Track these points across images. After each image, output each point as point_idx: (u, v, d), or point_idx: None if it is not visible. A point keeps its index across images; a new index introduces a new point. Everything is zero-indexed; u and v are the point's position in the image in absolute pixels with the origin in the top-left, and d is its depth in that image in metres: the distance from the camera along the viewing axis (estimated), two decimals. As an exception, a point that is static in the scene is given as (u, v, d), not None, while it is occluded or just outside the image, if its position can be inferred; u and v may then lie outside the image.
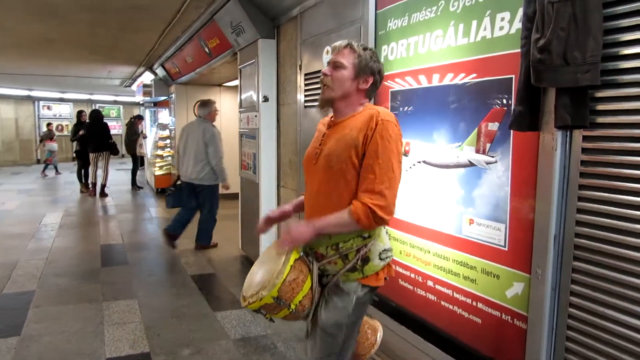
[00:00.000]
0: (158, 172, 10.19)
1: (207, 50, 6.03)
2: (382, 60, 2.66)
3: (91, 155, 9.31)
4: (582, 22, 1.54)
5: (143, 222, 7.28)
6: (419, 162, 2.44)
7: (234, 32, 4.76)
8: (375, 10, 2.77)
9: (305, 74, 3.75)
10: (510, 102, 1.90)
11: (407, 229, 2.56)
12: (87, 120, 9.73)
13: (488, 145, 2.01)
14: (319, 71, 3.48)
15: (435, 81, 2.30)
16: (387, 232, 1.90)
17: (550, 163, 1.73)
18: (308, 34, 3.73)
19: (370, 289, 1.82)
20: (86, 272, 4.62)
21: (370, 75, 1.81)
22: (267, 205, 4.50)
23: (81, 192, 9.79)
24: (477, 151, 2.07)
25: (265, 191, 4.50)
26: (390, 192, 1.66)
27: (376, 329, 2.11)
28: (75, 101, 18.65)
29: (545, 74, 1.61)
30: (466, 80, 2.11)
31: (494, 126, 1.98)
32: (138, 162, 10.93)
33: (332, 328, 1.78)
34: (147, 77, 10.73)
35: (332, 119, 1.90)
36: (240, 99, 5.08)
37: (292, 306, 1.71)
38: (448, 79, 2.22)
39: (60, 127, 17.94)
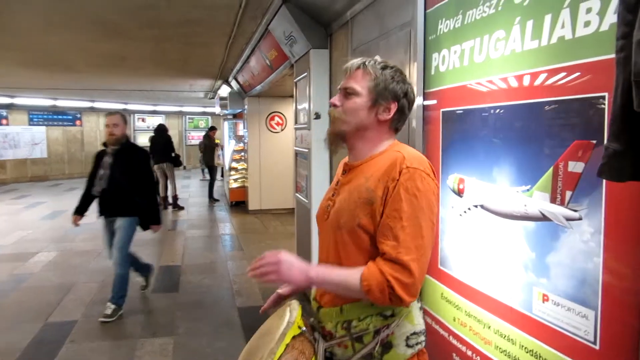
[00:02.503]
0: (233, 185, 10.18)
1: (268, 62, 5.75)
2: (432, 72, 2.11)
3: (154, 168, 9.48)
4: None
5: (208, 241, 7.15)
6: (476, 206, 1.85)
7: (287, 42, 4.40)
8: (425, 9, 2.21)
9: (355, 88, 3.25)
10: (602, 131, 1.27)
11: (461, 290, 1.97)
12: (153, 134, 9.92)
13: (568, 193, 1.39)
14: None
15: (496, 100, 1.71)
16: (421, 308, 1.39)
17: (668, 232, 1.09)
18: (358, 41, 3.24)
19: None
20: (135, 299, 4.46)
21: (393, 100, 1.36)
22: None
23: (159, 204, 10.02)
24: (553, 200, 1.45)
25: (317, 218, 4.04)
26: (419, 267, 1.21)
27: None
28: (167, 113, 19.62)
29: (659, 93, 0.99)
30: (536, 99, 1.50)
31: (576, 167, 1.36)
32: (215, 174, 11.01)
33: None
34: (225, 90, 10.80)
35: (349, 162, 1.46)
36: (296, 115, 4.69)
37: None
38: (511, 98, 1.62)
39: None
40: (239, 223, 8.38)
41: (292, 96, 8.87)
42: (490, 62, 1.72)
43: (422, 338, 1.36)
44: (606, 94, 1.25)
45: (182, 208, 9.57)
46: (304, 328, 1.38)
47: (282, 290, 1.56)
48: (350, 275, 1.25)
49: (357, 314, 1.33)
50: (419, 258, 1.21)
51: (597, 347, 1.33)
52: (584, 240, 1.35)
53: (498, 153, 1.71)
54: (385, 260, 1.21)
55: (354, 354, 1.33)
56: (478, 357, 1.87)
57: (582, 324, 1.37)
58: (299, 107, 4.56)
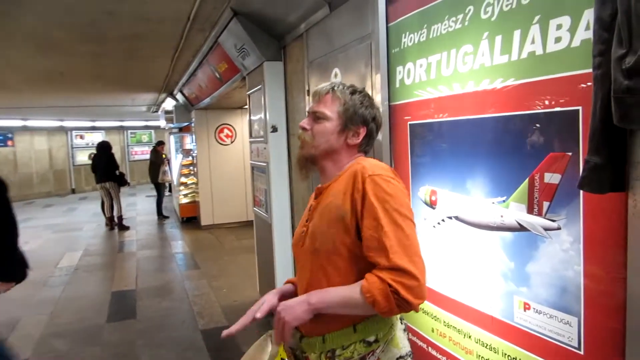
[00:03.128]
0: (183, 201, 9.89)
1: (217, 75, 5.63)
2: (397, 85, 2.12)
3: (98, 187, 9.10)
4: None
5: (162, 261, 6.89)
6: (450, 217, 1.87)
7: (239, 55, 4.32)
8: (387, 23, 2.23)
9: (314, 101, 3.23)
10: (577, 144, 1.32)
11: (439, 301, 1.98)
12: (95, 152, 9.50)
13: (546, 204, 1.43)
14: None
15: (466, 113, 1.74)
16: (405, 330, 1.38)
17: (649, 240, 1.14)
18: (315, 54, 3.23)
19: None
20: (89, 330, 4.21)
21: (362, 125, 1.40)
22: (281, 248, 3.98)
23: (106, 225, 9.58)
24: (530, 211, 1.48)
25: (279, 233, 3.98)
26: (417, 267, 1.19)
27: None
28: (107, 128, 18.81)
29: (638, 109, 1.03)
30: (508, 113, 1.54)
31: (553, 178, 1.40)
32: (162, 190, 10.65)
33: None
34: (169, 103, 10.51)
35: (319, 185, 1.47)
36: (250, 128, 4.62)
37: None
38: (482, 111, 1.65)
39: (91, 155, 18.13)
40: (192, 240, 8.15)
41: (241, 107, 8.84)
42: (459, 75, 1.75)
43: None
44: (580, 108, 1.30)
45: (127, 228, 9.18)
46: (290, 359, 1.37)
47: (259, 314, 1.48)
48: (351, 292, 1.23)
49: (340, 342, 1.31)
50: (412, 259, 1.19)
51: (581, 352, 1.36)
52: (564, 249, 1.38)
53: (471, 165, 1.73)
54: (381, 270, 1.19)
55: None
56: (460, 367, 1.88)
57: (566, 331, 1.41)
58: (253, 120, 4.49)
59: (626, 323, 1.21)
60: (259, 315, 1.43)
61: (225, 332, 1.41)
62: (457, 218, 1.83)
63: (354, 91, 1.42)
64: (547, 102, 1.39)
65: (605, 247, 1.27)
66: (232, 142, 9.12)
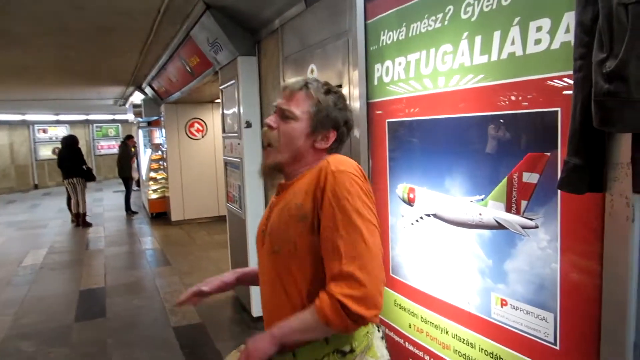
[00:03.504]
0: (153, 196, 9.70)
1: (188, 69, 5.52)
2: (375, 82, 2.12)
3: (65, 183, 8.83)
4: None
5: (131, 257, 6.75)
6: (428, 215, 1.88)
7: (212, 49, 4.25)
8: (365, 20, 2.22)
9: (290, 97, 3.21)
10: (555, 145, 1.34)
11: (416, 297, 2.00)
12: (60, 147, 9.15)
13: (524, 203, 1.46)
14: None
15: (445, 112, 1.75)
16: (383, 338, 1.35)
17: (624, 239, 1.17)
18: (290, 49, 3.20)
19: None
20: (57, 330, 4.08)
21: (333, 128, 1.32)
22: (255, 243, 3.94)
23: (72, 221, 9.30)
24: (509, 210, 1.51)
25: (253, 229, 3.92)
26: (367, 274, 1.11)
27: None
28: (71, 122, 18.24)
29: (618, 113, 1.05)
30: (488, 113, 1.56)
31: (531, 177, 1.42)
32: (130, 185, 10.41)
33: None
34: (137, 97, 10.27)
35: (282, 181, 1.39)
36: (224, 123, 4.55)
37: None
38: (462, 110, 1.67)
39: (56, 150, 17.56)
40: (163, 235, 8.00)
41: (212, 102, 8.71)
42: (438, 74, 1.76)
43: None
44: (559, 109, 1.32)
45: (90, 225, 8.93)
46: None
47: (207, 285, 1.52)
48: (306, 315, 1.17)
49: (312, 355, 1.24)
50: (365, 265, 1.11)
51: (557, 347, 1.40)
52: (541, 247, 1.42)
53: (450, 164, 1.75)
54: (332, 281, 1.14)
55: None
56: (437, 363, 1.91)
57: (542, 326, 1.44)
58: (227, 114, 4.42)
59: (601, 320, 1.24)
60: (204, 286, 1.46)
61: (178, 301, 1.46)
62: (435, 215, 1.84)
63: (328, 90, 1.33)
64: (526, 103, 1.41)
65: (581, 246, 1.30)
66: (202, 137, 8.98)
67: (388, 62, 2.05)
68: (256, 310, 4.03)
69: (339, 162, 1.23)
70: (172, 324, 4.13)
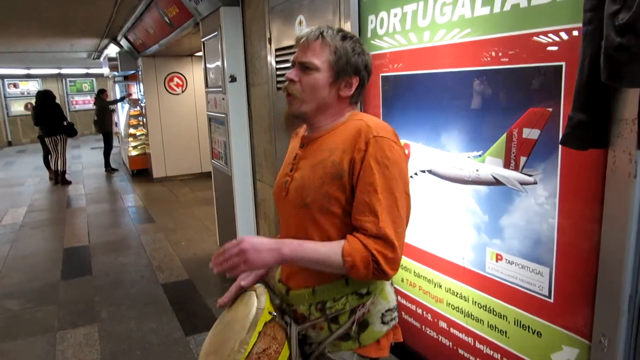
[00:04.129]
0: (133, 153, 9.51)
1: (167, 20, 5.30)
2: (368, 34, 2.06)
3: (46, 141, 8.58)
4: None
5: (114, 215, 6.68)
6: (423, 171, 1.88)
7: (192, -1, 4.06)
8: (358, -31, 2.12)
9: (277, 49, 3.11)
10: (558, 100, 1.32)
11: (409, 253, 2.02)
12: (34, 103, 8.77)
13: (523, 159, 1.45)
14: (291, 46, 2.86)
15: (443, 66, 1.71)
16: (392, 284, 1.39)
17: (625, 194, 1.18)
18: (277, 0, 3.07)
19: None
20: (43, 288, 4.06)
21: (354, 75, 1.28)
22: (243, 201, 3.93)
23: (50, 179, 9.11)
24: (507, 166, 1.50)
25: (240, 186, 3.92)
26: (399, 240, 1.17)
27: None
28: (43, 76, 17.56)
29: (628, 67, 1.03)
30: (489, 67, 1.52)
31: (532, 134, 1.41)
32: (111, 141, 10.16)
33: None
34: (113, 50, 9.87)
35: (306, 133, 1.36)
36: (206, 77, 4.41)
37: None
38: (461, 64, 1.63)
39: (29, 106, 16.96)
40: (145, 193, 7.91)
41: (192, 55, 8.44)
42: (436, 26, 1.71)
43: (396, 314, 1.36)
44: (563, 64, 1.30)
45: (69, 183, 8.77)
46: (274, 313, 1.30)
47: (245, 282, 1.44)
48: (330, 251, 1.18)
49: (331, 294, 1.28)
50: (398, 231, 1.17)
51: (551, 300, 1.44)
52: (539, 203, 1.42)
53: (447, 119, 1.73)
54: (367, 236, 1.16)
55: (330, 335, 1.29)
56: (429, 314, 1.96)
57: (537, 280, 1.47)
58: (210, 68, 4.28)
59: (598, 273, 1.27)
60: (243, 283, 1.39)
61: (222, 302, 1.38)
62: (430, 172, 1.84)
63: (344, 36, 1.27)
64: (529, 57, 1.38)
65: (580, 201, 1.31)
66: (183, 92, 8.74)
67: (383, 14, 1.98)
68: (244, 266, 4.05)
69: (379, 127, 1.22)
70: (160, 280, 4.14)
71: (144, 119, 8.99)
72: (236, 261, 1.17)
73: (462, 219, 1.71)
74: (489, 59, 1.51)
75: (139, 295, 3.88)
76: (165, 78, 8.54)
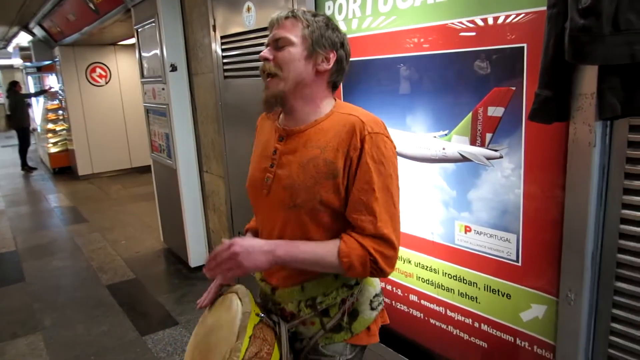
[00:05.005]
0: (53, 150, 8.90)
1: (92, 6, 4.99)
2: (327, 21, 2.07)
3: None
4: (641, -31, 1.08)
5: (40, 217, 6.24)
6: (390, 152, 1.94)
7: (122, -16, 3.86)
8: (312, -46, 2.14)
9: (222, 37, 3.05)
10: (521, 79, 1.43)
11: (377, 232, 2.09)
12: None
13: (489, 135, 1.56)
14: (239, 33, 2.83)
15: (407, 50, 1.78)
16: None
17: (586, 162, 1.31)
18: (220, -15, 3.00)
19: (361, 348, 1.36)
20: (-29, 299, 3.75)
21: (331, 49, 1.23)
22: (190, 193, 3.84)
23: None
24: (473, 143, 1.61)
25: (185, 178, 3.82)
26: (397, 238, 1.18)
27: None
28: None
29: (590, 46, 1.14)
30: (452, 50, 1.61)
31: (496, 111, 1.52)
32: (29, 137, 9.41)
33: None
34: (24, 38, 9.13)
35: (285, 125, 1.29)
36: (142, 67, 4.23)
37: None
38: (425, 48, 1.70)
39: None
40: (71, 192, 7.45)
41: (115, 44, 8.00)
42: (398, 12, 1.77)
43: (382, 298, 1.38)
44: (525, 45, 1.40)
45: None
46: (262, 315, 1.27)
47: (221, 280, 1.37)
48: (326, 251, 1.17)
49: (321, 289, 1.27)
50: (396, 228, 1.18)
51: (519, 264, 1.57)
52: (505, 175, 1.54)
53: (412, 101, 1.80)
54: (364, 236, 1.15)
55: (322, 329, 1.29)
56: (399, 290, 2.05)
57: (505, 247, 1.59)
58: (146, 57, 4.11)
59: (563, 236, 1.40)
60: (221, 281, 1.35)
61: (203, 303, 1.35)
62: (397, 153, 1.91)
63: (315, 14, 1.25)
64: (493, 39, 1.48)
65: (544, 171, 1.44)
66: (106, 83, 8.28)
67: (341, 0, 2.01)
68: (194, 260, 3.98)
69: (373, 122, 1.20)
70: (103, 282, 3.95)
71: (65, 113, 8.43)
72: (229, 265, 1.14)
73: (431, 196, 1.81)
74: (452, 42, 1.60)
75: (83, 298, 3.68)
76: (86, 68, 8.05)
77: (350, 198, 1.17)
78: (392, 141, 1.23)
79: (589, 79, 1.26)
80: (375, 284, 1.36)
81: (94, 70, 8.12)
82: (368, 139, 1.16)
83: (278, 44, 1.22)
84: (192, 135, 3.79)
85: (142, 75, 4.24)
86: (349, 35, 1.96)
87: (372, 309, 1.34)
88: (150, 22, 3.72)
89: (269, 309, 1.36)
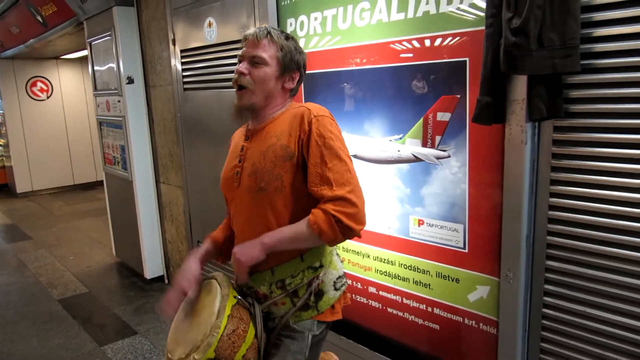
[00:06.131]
0: (-12, 167, 8.48)
1: (39, 19, 4.91)
2: (289, 36, 2.25)
3: None
4: (558, -2, 1.33)
5: (-22, 234, 5.96)
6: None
7: (77, -3, 3.87)
8: (275, -24, 2.31)
9: (182, 50, 3.15)
10: (464, 88, 1.66)
11: (337, 230, 2.26)
12: None
13: (438, 137, 1.77)
14: (200, 47, 2.95)
15: (363, 64, 1.98)
16: (338, 255, 1.59)
17: (520, 158, 1.54)
18: (182, 1, 3.11)
19: (327, 324, 1.53)
20: None
21: (296, 70, 1.47)
22: (146, 204, 3.86)
23: None
24: (425, 145, 1.82)
25: (142, 189, 3.84)
26: (357, 196, 1.33)
27: None
28: None
29: (521, 60, 1.38)
30: (405, 63, 1.83)
31: (444, 116, 1.74)
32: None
33: None
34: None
35: (250, 127, 1.51)
36: (94, 80, 4.22)
37: None
38: (381, 62, 1.91)
39: None
40: (10, 210, 7.14)
41: (57, 57, 7.80)
42: (356, 29, 1.97)
43: (345, 279, 1.56)
44: (467, 59, 1.64)
45: None
46: (239, 297, 1.44)
47: (191, 293, 1.45)
48: (299, 227, 1.34)
49: (289, 272, 1.42)
50: (353, 189, 1.32)
51: (466, 250, 1.78)
52: (453, 172, 1.76)
53: (370, 109, 2.00)
54: (325, 202, 1.31)
55: (292, 307, 1.45)
56: (358, 283, 2.21)
57: (453, 236, 1.81)
58: (100, 70, 4.11)
59: (502, 223, 1.62)
60: (191, 294, 1.43)
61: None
62: (355, 156, 2.09)
63: (287, 37, 1.45)
64: (440, 54, 1.71)
65: (485, 167, 1.66)
66: (48, 97, 8.03)
67: (303, 17, 2.20)
68: (150, 272, 3.97)
69: (318, 108, 1.40)
70: (55, 296, 3.87)
71: (2, 128, 8.08)
72: (237, 269, 1.35)
73: (388, 194, 2.00)
74: (405, 56, 1.82)
75: (34, 313, 3.59)
76: (26, 83, 7.79)
77: (308, 174, 1.35)
78: (336, 123, 1.43)
79: (520, 87, 1.50)
80: (338, 267, 1.53)
81: (34, 84, 7.86)
82: (314, 121, 1.36)
83: (254, 60, 1.41)
84: (148, 147, 3.83)
85: (95, 88, 4.23)
86: (311, 50, 2.16)
87: (336, 289, 1.50)
88: (106, 36, 3.76)
89: (244, 293, 1.52)
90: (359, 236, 1.36)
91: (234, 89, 1.47)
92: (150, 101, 3.75)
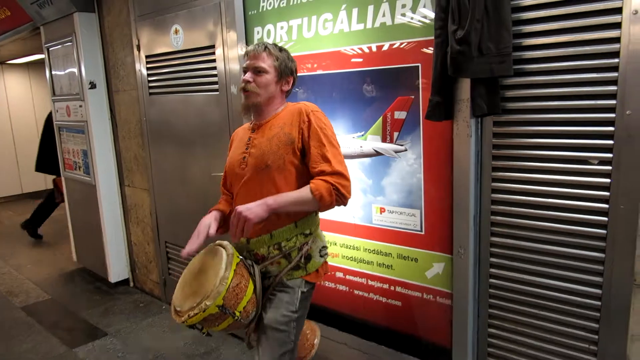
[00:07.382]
0: None
1: (-11, 24, 4.82)
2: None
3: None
4: (493, 13, 1.58)
5: None
6: (315, 153, 2.33)
7: (35, 2, 3.87)
8: (242, -13, 2.49)
9: (148, 56, 3.25)
10: (418, 90, 1.90)
11: (306, 222, 2.45)
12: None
13: (396, 134, 2.01)
14: (166, 53, 3.06)
15: (327, 69, 2.19)
16: (321, 231, 1.83)
17: (466, 149, 1.79)
18: (147, 8, 3.21)
19: (312, 285, 1.80)
20: None
21: (290, 75, 1.80)
22: (110, 208, 3.90)
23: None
24: (384, 140, 2.05)
25: (106, 193, 3.87)
26: (348, 174, 1.67)
27: (314, 329, 2.10)
28: None
29: (464, 65, 1.63)
30: (365, 68, 2.05)
31: (401, 115, 1.97)
32: None
33: (282, 324, 1.72)
34: None
35: (254, 123, 1.82)
36: (53, 85, 4.21)
37: (237, 313, 1.60)
38: (342, 67, 2.13)
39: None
40: (-46, 222, 6.85)
41: (2, 63, 7.55)
42: (320, 38, 2.18)
43: (327, 250, 1.83)
44: (419, 65, 1.88)
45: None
46: (241, 257, 1.69)
47: (212, 231, 1.74)
48: (301, 192, 1.62)
49: (285, 236, 1.70)
50: (344, 168, 1.66)
51: (422, 233, 2.02)
52: (410, 164, 1.99)
53: (333, 110, 2.21)
54: (325, 175, 1.62)
55: (287, 266, 1.71)
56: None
57: (411, 221, 2.04)
58: (59, 75, 4.11)
59: (453, 205, 1.87)
60: (212, 231, 1.73)
61: (184, 253, 1.65)
62: (321, 153, 2.29)
63: (280, 49, 1.77)
64: (396, 60, 1.94)
65: (437, 158, 1.91)
66: (-9, 104, 7.76)
67: (269, 26, 2.38)
68: (115, 276, 4.01)
69: (312, 105, 1.74)
70: (17, 304, 3.82)
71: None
72: (241, 224, 1.57)
73: (352, 186, 2.20)
74: (364, 62, 2.04)
75: (-3, 322, 3.55)
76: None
77: (310, 155, 1.67)
78: (327, 117, 1.76)
79: (465, 88, 1.75)
80: (323, 239, 1.81)
81: (-22, 91, 7.58)
82: (312, 115, 1.70)
83: (257, 70, 1.74)
84: (112, 151, 3.87)
85: (54, 94, 4.22)
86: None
87: (321, 256, 1.79)
88: (67, 41, 3.78)
89: (244, 256, 1.76)
90: (345, 205, 1.66)
91: (241, 93, 1.78)
92: (113, 106, 3.80)
